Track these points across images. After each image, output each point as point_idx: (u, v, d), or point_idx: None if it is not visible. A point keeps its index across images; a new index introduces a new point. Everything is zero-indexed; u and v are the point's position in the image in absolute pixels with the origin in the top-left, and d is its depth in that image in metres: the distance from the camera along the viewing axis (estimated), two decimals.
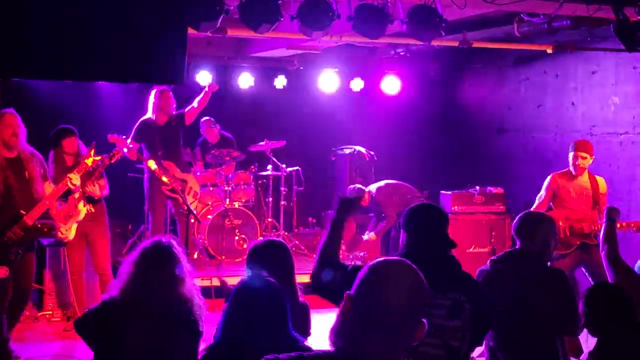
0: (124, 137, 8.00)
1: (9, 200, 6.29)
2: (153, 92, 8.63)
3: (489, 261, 4.98)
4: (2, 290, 6.23)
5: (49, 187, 6.60)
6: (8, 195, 6.29)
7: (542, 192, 7.30)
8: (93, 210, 7.30)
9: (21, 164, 6.39)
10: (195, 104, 8.89)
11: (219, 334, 3.49)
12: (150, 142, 8.52)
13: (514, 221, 5.09)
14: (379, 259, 2.40)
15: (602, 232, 4.89)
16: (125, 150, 7.92)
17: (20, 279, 6.49)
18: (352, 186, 10.01)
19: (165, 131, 8.69)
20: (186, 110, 8.87)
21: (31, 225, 6.33)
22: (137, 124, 8.61)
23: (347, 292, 2.35)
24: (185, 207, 7.46)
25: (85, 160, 6.78)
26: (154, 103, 8.63)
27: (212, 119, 10.38)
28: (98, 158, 6.91)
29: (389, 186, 9.88)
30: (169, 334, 3.86)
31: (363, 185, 10.00)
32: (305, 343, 3.62)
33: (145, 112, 8.75)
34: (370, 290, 2.31)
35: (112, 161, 7.24)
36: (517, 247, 4.99)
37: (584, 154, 7.08)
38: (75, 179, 6.64)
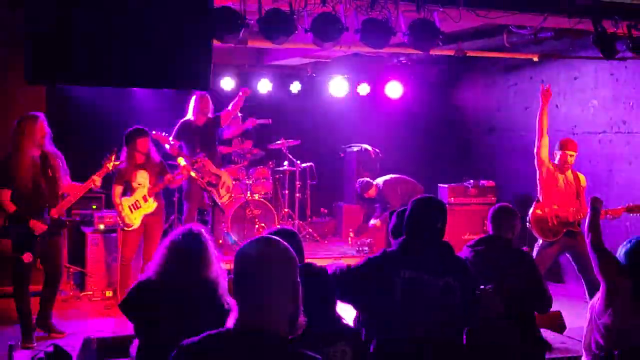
0: (165, 134, 8.16)
1: (37, 194, 6.39)
2: (194, 97, 8.76)
3: (465, 246, 5.03)
4: (27, 272, 6.39)
5: (68, 183, 6.72)
6: (37, 190, 6.40)
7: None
8: (156, 204, 7.52)
9: (46, 162, 6.46)
10: (230, 107, 9.13)
11: None
12: (190, 140, 8.64)
13: (493, 210, 5.18)
14: (248, 242, 2.38)
15: (587, 221, 4.92)
16: (167, 146, 8.08)
17: (47, 262, 6.60)
18: (360, 179, 10.07)
19: (203, 131, 8.81)
20: (222, 113, 9.04)
21: (56, 218, 6.49)
22: (179, 124, 8.72)
23: (229, 276, 2.36)
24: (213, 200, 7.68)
25: (107, 164, 6.83)
26: (194, 106, 8.75)
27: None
28: (117, 162, 6.99)
29: (394, 179, 9.92)
30: (196, 311, 3.82)
31: (370, 179, 10.07)
32: (344, 321, 3.59)
33: (183, 115, 8.86)
34: (247, 271, 2.31)
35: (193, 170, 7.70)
36: (491, 234, 5.08)
37: (572, 152, 7.09)
38: (97, 180, 6.71)
